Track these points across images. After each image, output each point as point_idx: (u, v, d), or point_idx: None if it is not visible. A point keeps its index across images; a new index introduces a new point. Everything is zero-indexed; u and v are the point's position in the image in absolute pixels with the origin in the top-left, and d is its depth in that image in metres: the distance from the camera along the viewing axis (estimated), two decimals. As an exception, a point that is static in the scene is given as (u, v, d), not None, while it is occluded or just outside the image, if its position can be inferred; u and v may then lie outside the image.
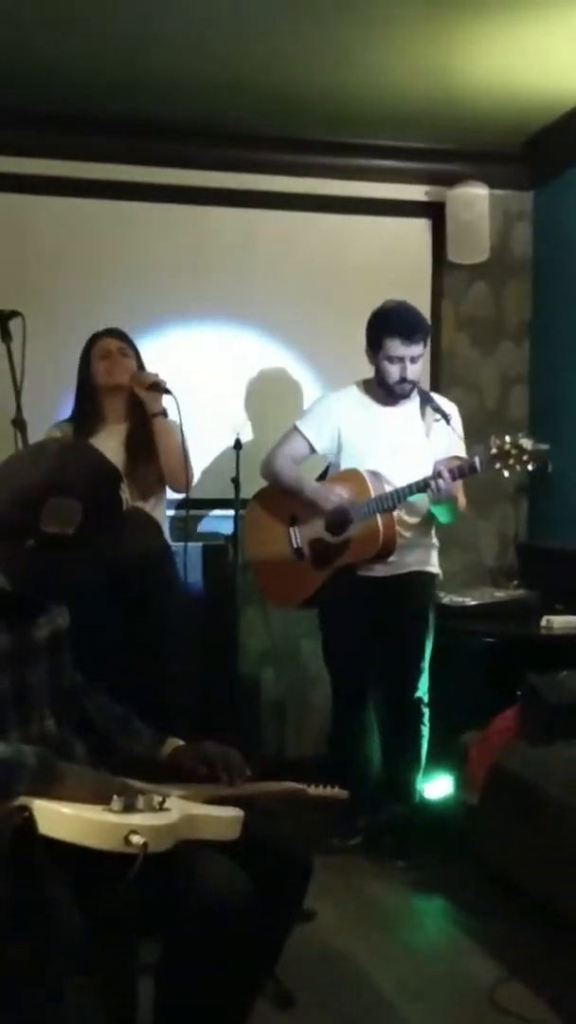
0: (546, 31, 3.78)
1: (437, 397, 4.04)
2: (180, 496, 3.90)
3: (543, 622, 4.21)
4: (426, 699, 3.97)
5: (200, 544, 4.51)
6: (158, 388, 3.81)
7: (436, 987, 3.01)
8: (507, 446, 3.54)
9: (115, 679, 3.50)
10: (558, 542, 4.83)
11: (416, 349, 3.81)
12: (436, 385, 5.03)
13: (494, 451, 3.56)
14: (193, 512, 4.66)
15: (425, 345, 3.87)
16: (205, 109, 4.50)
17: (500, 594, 4.61)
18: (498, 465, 3.56)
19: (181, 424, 3.78)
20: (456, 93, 4.33)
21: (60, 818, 1.81)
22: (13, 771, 1.85)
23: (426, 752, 3.99)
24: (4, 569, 1.99)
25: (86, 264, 4.67)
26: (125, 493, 2.05)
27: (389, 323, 3.81)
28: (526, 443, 3.54)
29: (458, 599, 4.45)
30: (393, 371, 3.83)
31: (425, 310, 5.00)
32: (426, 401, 3.95)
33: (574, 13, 3.65)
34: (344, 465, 3.94)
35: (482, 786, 3.54)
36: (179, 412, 3.72)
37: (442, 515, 3.86)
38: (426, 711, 3.97)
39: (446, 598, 4.45)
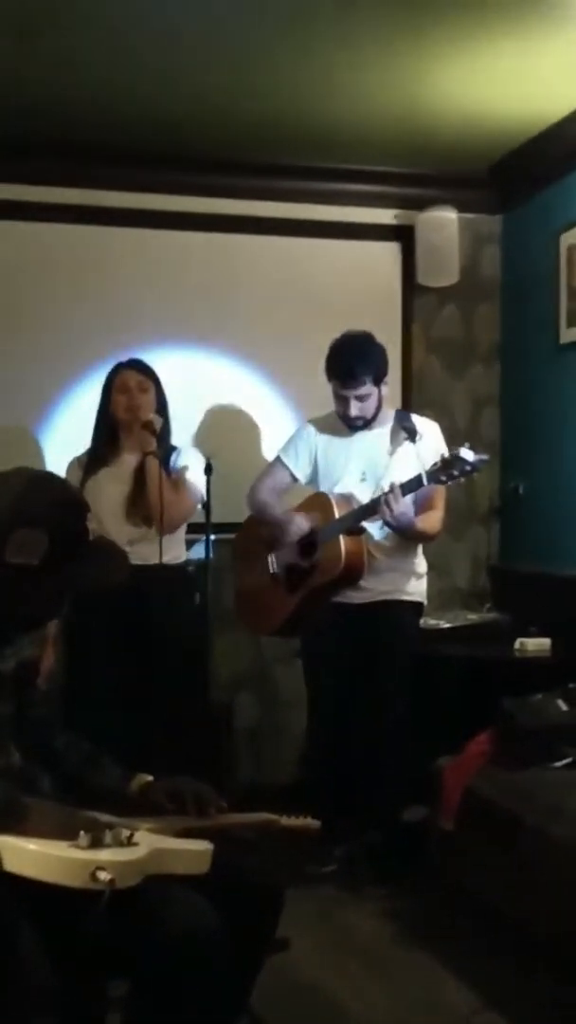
0: (515, 58, 3.81)
1: (415, 417, 4.03)
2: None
3: (516, 645, 4.21)
4: (406, 727, 3.94)
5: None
6: (149, 429, 3.88)
7: (411, 1017, 2.98)
8: (449, 458, 3.55)
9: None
10: (530, 565, 4.83)
11: (360, 390, 3.85)
12: (407, 408, 5.00)
13: (438, 464, 3.57)
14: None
15: (376, 383, 3.88)
16: (175, 135, 4.50)
17: (473, 617, 4.61)
18: (443, 477, 3.56)
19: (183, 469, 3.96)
20: (425, 118, 4.35)
21: (25, 854, 1.77)
22: (-23, 808, 1.82)
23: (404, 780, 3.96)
24: (-32, 601, 1.96)
25: (52, 289, 4.65)
26: (92, 523, 2.03)
27: (330, 365, 3.89)
28: (467, 454, 3.52)
29: (432, 622, 4.44)
30: (341, 408, 3.92)
31: (395, 333, 5.04)
32: (400, 421, 3.97)
33: (542, 41, 3.68)
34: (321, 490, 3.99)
35: (457, 811, 3.52)
36: (166, 455, 3.94)
37: None
38: (404, 739, 3.94)
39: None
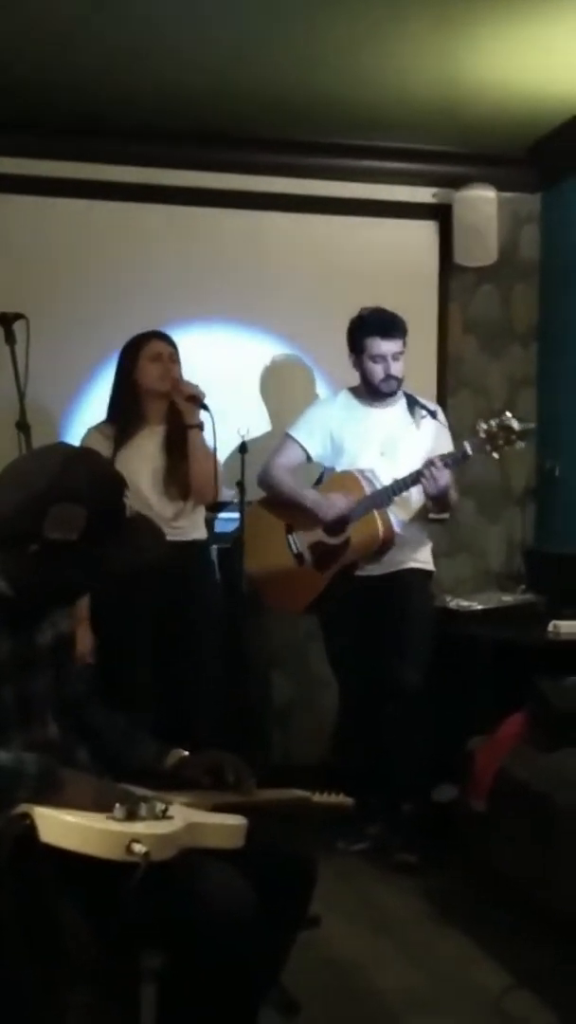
0: (553, 33, 3.77)
1: (421, 399, 4.10)
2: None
3: (550, 627, 4.19)
4: (427, 695, 3.95)
5: (215, 547, 4.50)
6: (196, 401, 3.81)
7: (443, 995, 2.98)
8: (495, 428, 3.66)
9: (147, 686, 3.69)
10: (565, 547, 4.80)
11: (396, 345, 3.91)
12: (443, 388, 5.02)
13: (483, 435, 3.68)
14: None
15: (404, 343, 3.94)
16: (210, 112, 4.49)
17: (507, 599, 4.59)
18: (488, 447, 3.69)
19: (215, 438, 3.77)
20: (464, 95, 4.32)
21: (62, 826, 1.79)
22: (14, 779, 1.83)
23: (433, 757, 3.97)
24: (7, 575, 1.97)
25: (90, 266, 4.66)
26: (129, 500, 2.04)
27: (367, 324, 3.93)
28: (513, 423, 3.64)
29: (465, 603, 4.43)
30: (378, 370, 3.93)
31: (432, 313, 5.03)
32: (412, 402, 4.04)
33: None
34: (337, 467, 4.02)
35: (489, 792, 3.52)
36: (214, 427, 3.75)
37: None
38: (428, 707, 3.95)
39: (453, 602, 4.44)
